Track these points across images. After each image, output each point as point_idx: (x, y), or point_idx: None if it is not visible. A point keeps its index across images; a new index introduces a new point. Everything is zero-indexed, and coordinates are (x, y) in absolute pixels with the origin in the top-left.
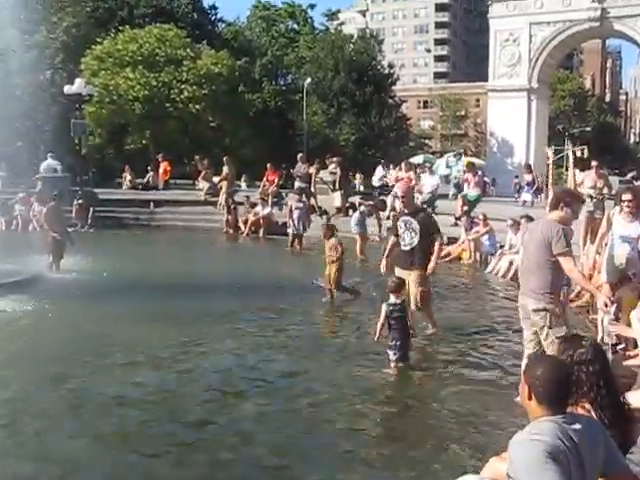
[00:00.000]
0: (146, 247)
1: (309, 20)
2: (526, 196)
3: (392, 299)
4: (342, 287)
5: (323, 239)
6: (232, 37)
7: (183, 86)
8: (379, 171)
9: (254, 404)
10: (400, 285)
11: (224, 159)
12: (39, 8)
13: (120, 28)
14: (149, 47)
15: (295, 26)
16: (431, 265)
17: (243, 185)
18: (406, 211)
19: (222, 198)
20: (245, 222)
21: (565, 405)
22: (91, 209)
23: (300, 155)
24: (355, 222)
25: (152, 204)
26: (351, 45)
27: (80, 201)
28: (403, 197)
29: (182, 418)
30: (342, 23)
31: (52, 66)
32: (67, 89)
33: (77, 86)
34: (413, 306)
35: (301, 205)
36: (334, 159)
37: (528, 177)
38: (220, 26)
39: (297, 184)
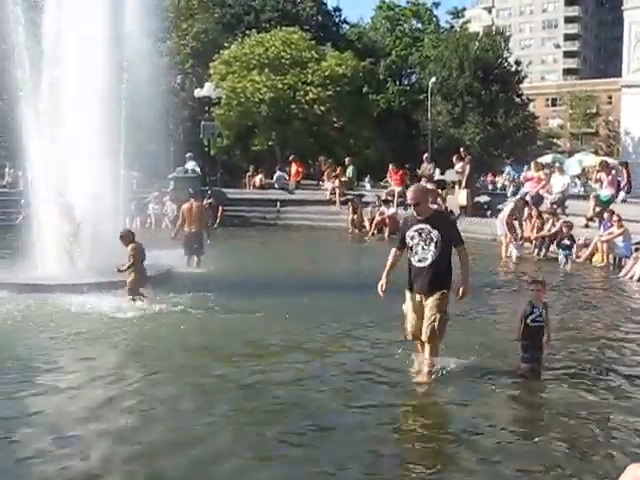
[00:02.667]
0: (273, 245)
1: (434, 19)
2: None
3: (536, 303)
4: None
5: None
6: (356, 38)
7: (308, 88)
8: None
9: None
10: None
11: (346, 160)
12: (170, 16)
13: (247, 32)
14: (275, 50)
15: (419, 25)
16: (462, 286)
17: (367, 185)
18: (419, 217)
19: (339, 198)
20: (371, 222)
21: None
22: (220, 208)
23: (426, 155)
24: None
25: (278, 204)
26: (477, 43)
27: (210, 200)
28: (415, 200)
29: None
30: (467, 21)
31: (183, 71)
32: (197, 93)
33: (206, 90)
34: (424, 337)
35: (435, 207)
36: (468, 157)
37: None
38: (344, 27)
39: (423, 184)
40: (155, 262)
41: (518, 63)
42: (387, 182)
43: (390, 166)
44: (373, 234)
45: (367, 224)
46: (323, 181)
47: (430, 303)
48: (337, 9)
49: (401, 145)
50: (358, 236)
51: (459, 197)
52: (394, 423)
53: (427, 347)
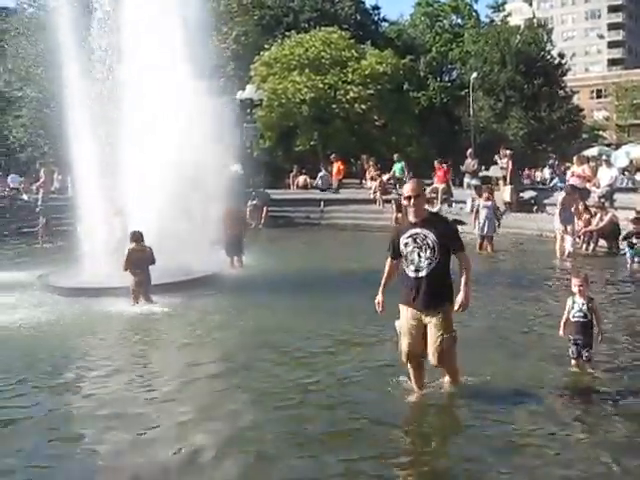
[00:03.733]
0: (317, 245)
1: (474, 14)
2: None
3: (577, 298)
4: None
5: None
6: (396, 36)
7: (349, 87)
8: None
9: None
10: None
11: (395, 156)
12: (211, 19)
13: (286, 34)
14: (315, 50)
15: (459, 21)
16: (461, 297)
17: None
18: (413, 220)
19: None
20: None
21: None
22: (265, 209)
23: (469, 151)
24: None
25: (322, 203)
26: (518, 36)
27: (255, 201)
28: (415, 192)
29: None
30: (508, 14)
31: (224, 74)
32: (239, 95)
33: (248, 92)
34: (433, 361)
35: (488, 204)
36: (507, 152)
37: None
38: (383, 25)
39: (467, 180)
40: (198, 265)
41: (561, 55)
42: (436, 179)
43: (435, 162)
44: None
45: None
46: (366, 180)
47: (433, 322)
48: (376, 7)
49: (443, 142)
50: None
51: (503, 193)
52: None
53: (444, 371)
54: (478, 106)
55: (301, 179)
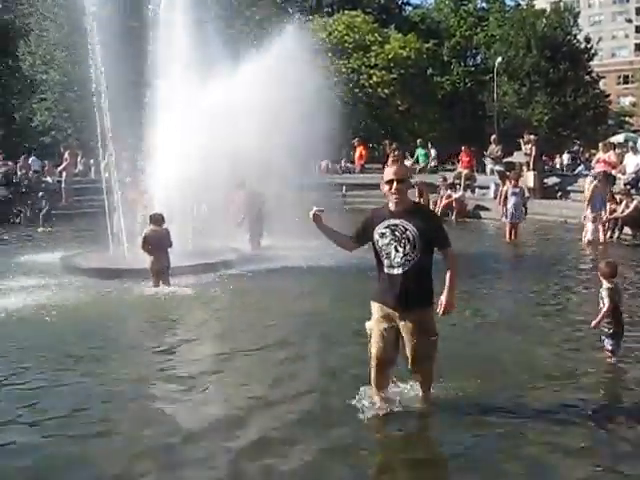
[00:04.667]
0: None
1: None
2: None
3: (605, 284)
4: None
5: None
6: (420, 20)
7: (372, 71)
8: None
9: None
10: (614, 269)
11: (418, 141)
12: (234, 3)
13: (309, 18)
14: (338, 34)
15: (484, 4)
16: (445, 297)
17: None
18: (393, 209)
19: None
20: (435, 204)
21: None
22: (289, 193)
23: (493, 137)
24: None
25: (344, 188)
26: (544, 20)
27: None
28: (401, 175)
29: None
30: None
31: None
32: None
33: None
34: (410, 365)
35: (517, 190)
36: (531, 137)
37: None
38: (407, 9)
39: (490, 166)
40: (224, 245)
41: (587, 40)
42: (460, 164)
43: (463, 148)
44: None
45: (433, 207)
46: (388, 165)
47: (409, 324)
48: None
49: (467, 127)
50: None
51: (527, 179)
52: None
53: (418, 377)
54: (502, 91)
55: (323, 164)
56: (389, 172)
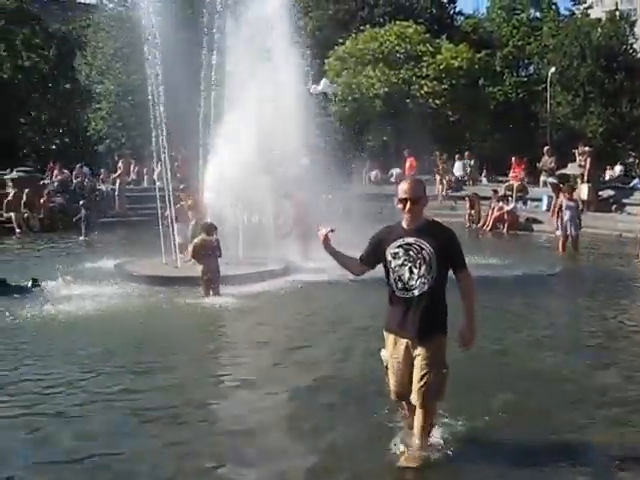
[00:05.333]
0: None
1: (553, 6)
2: None
3: None
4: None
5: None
6: (471, 30)
7: (423, 81)
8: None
9: None
10: None
11: (465, 154)
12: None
13: (361, 28)
14: (389, 45)
15: (537, 14)
16: (464, 328)
17: (483, 180)
18: (407, 227)
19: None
20: (486, 217)
21: None
22: (338, 202)
23: (546, 148)
24: None
25: (395, 199)
26: (599, 30)
27: (330, 196)
28: (415, 194)
29: None
30: (589, 7)
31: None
32: (313, 89)
33: (322, 86)
34: (415, 399)
35: (572, 204)
36: (586, 149)
37: None
38: (459, 19)
39: (543, 178)
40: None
41: None
42: (512, 174)
43: (514, 159)
44: (491, 230)
45: (485, 220)
46: (436, 176)
47: (422, 353)
48: (452, 1)
49: (519, 138)
50: (475, 231)
51: (581, 191)
52: None
53: (419, 413)
54: (555, 102)
55: (373, 174)
56: (402, 190)
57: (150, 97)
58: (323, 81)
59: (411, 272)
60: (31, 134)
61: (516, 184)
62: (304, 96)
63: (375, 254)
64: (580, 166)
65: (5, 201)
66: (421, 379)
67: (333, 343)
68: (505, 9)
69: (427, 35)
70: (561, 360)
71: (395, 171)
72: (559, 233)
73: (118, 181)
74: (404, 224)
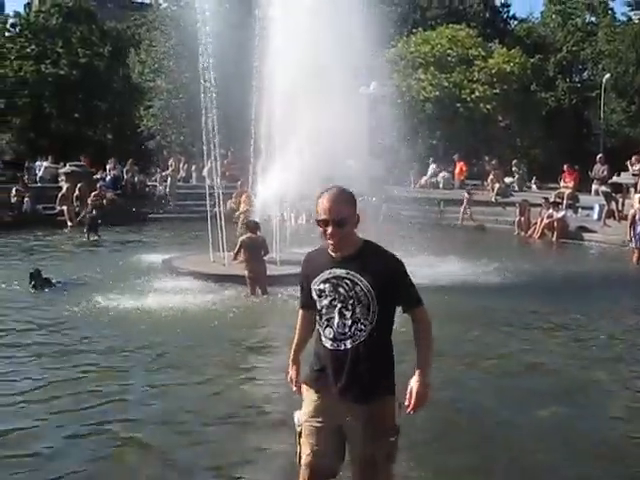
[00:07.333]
0: (438, 245)
1: (609, 11)
2: None
3: None
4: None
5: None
6: (525, 34)
7: (474, 86)
8: None
9: None
10: None
11: (514, 161)
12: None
13: (413, 31)
14: (441, 48)
15: (593, 19)
16: (416, 387)
17: (533, 187)
18: (334, 254)
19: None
20: (536, 224)
21: None
22: (384, 206)
23: (599, 156)
24: None
25: (442, 203)
26: None
27: (374, 199)
28: (338, 214)
29: None
30: None
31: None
32: (362, 90)
33: (372, 88)
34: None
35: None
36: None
37: None
38: (512, 23)
39: (595, 187)
40: None
41: None
42: (563, 183)
43: (566, 166)
44: (540, 237)
45: (534, 227)
46: (488, 182)
47: (360, 424)
48: (505, 5)
49: (571, 145)
50: (524, 238)
51: (634, 201)
52: None
53: None
54: (609, 109)
55: (423, 178)
56: (321, 208)
57: (202, 95)
58: (373, 83)
59: (342, 315)
60: (85, 129)
61: (567, 192)
62: (354, 97)
63: (307, 292)
64: (634, 175)
65: (59, 195)
66: (361, 454)
67: None
68: (560, 13)
69: (479, 39)
70: None
71: (444, 175)
72: (632, 245)
73: (169, 178)
74: (331, 250)
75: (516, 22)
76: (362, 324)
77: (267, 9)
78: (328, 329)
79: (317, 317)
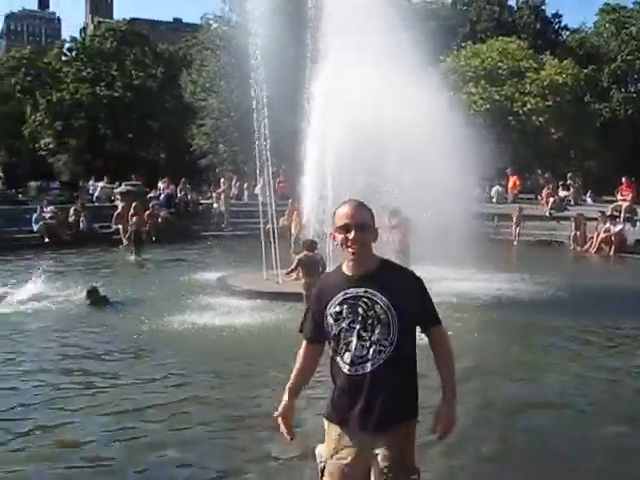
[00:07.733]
0: (492, 259)
1: None
2: None
3: None
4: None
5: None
6: (577, 45)
7: (526, 98)
8: None
9: None
10: None
11: (568, 175)
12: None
13: (462, 44)
14: (491, 61)
15: None
16: (444, 412)
17: (588, 200)
18: (351, 273)
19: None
20: (592, 238)
21: None
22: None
23: None
24: None
25: (496, 218)
26: None
27: (430, 213)
28: (361, 219)
29: None
30: None
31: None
32: None
33: None
34: None
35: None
36: None
37: None
38: (564, 34)
39: None
40: None
41: None
42: (620, 196)
43: (623, 179)
44: (596, 252)
45: (591, 242)
46: (541, 196)
47: (387, 454)
48: (557, 15)
49: (627, 157)
50: (581, 253)
51: None
52: None
53: None
54: None
55: (474, 192)
56: (343, 214)
57: (254, 113)
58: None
59: (360, 338)
60: (138, 149)
61: (625, 205)
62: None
63: (316, 323)
64: None
65: (114, 214)
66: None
67: None
68: (614, 22)
69: (530, 51)
70: None
71: (497, 189)
72: None
73: (222, 196)
74: (346, 269)
75: (568, 33)
76: (382, 345)
77: (319, 27)
78: (346, 353)
79: (333, 344)
